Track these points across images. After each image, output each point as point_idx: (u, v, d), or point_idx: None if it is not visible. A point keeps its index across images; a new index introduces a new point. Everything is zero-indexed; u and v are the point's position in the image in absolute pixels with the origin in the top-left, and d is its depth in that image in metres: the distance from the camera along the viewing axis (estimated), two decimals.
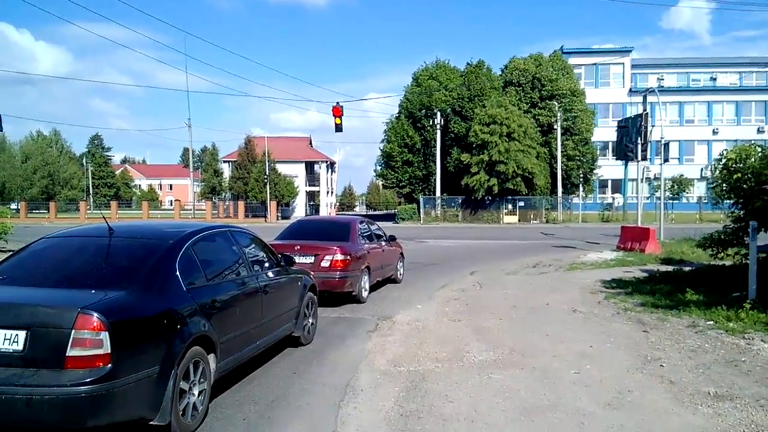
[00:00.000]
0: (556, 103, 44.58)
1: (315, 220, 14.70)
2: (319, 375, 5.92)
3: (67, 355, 3.57)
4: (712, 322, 7.92)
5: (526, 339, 7.42)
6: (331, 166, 69.21)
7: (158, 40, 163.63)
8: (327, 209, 63.94)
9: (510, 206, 44.83)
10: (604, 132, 49.59)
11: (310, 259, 9.55)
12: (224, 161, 64.28)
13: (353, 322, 8.64)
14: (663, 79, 55.63)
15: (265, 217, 50.52)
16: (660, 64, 59.61)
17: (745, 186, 9.72)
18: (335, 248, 9.75)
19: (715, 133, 56.86)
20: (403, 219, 45.99)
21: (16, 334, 3.62)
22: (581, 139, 46.46)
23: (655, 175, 38.04)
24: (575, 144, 46.11)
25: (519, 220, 44.30)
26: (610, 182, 57.32)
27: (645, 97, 26.12)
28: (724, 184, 10.45)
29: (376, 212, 77.46)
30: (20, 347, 3.60)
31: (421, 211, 45.65)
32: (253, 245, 6.28)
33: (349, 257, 9.75)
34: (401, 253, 13.11)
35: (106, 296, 3.92)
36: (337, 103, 23.98)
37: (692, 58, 61.25)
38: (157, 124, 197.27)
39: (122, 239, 4.89)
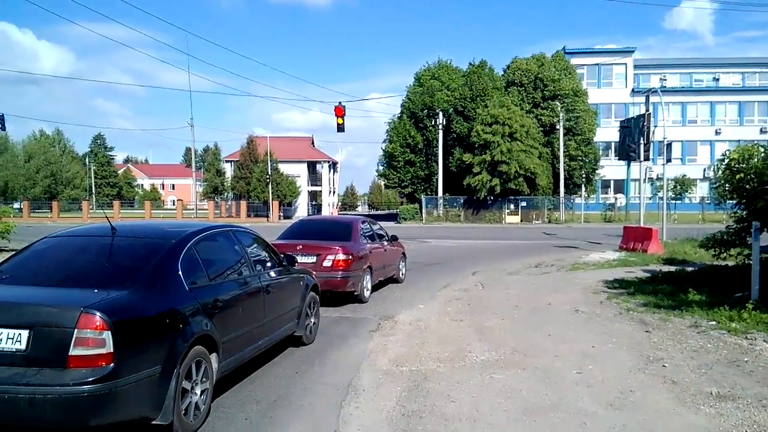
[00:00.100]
0: (559, 104, 44.53)
1: (317, 220, 14.70)
2: (321, 374, 5.92)
3: (69, 354, 3.58)
4: (714, 323, 7.90)
5: (528, 339, 7.42)
6: (333, 166, 69.25)
7: (160, 40, 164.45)
8: (329, 209, 63.95)
9: (512, 206, 44.81)
10: (607, 132, 49.59)
11: (312, 259, 9.55)
12: (226, 161, 64.34)
13: (355, 321, 8.64)
14: (666, 80, 55.55)
15: (267, 216, 50.57)
16: (663, 64, 59.55)
17: (747, 186, 9.70)
18: (337, 248, 9.75)
19: (717, 133, 56.79)
20: (405, 219, 45.99)
21: (19, 334, 3.62)
22: (584, 139, 46.41)
23: (657, 175, 38.07)
24: (578, 144, 46.06)
25: (521, 220, 44.26)
26: (612, 182, 57.27)
27: (647, 98, 26.03)
28: (726, 185, 10.43)
29: (378, 212, 77.50)
30: (23, 346, 3.61)
31: (423, 211, 45.64)
32: (256, 245, 6.29)
33: (351, 257, 9.76)
34: (403, 253, 13.11)
35: (108, 296, 3.92)
36: (340, 103, 24.04)
37: (695, 58, 61.20)
38: (160, 124, 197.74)
39: (125, 239, 4.90)
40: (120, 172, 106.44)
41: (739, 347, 6.76)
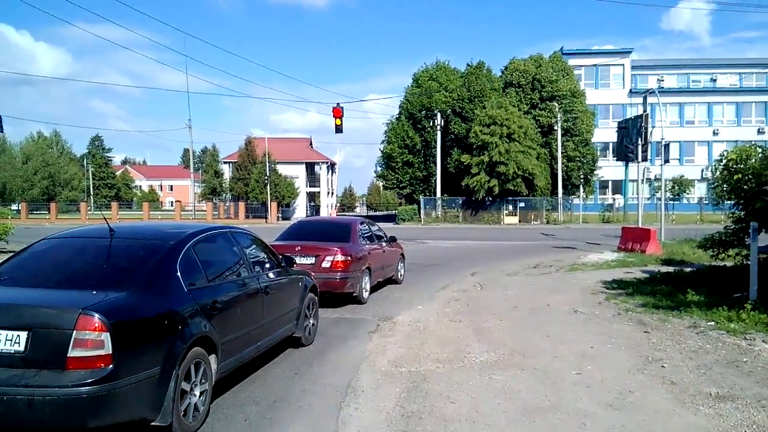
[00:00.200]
0: (557, 104, 44.58)
1: (315, 221, 14.71)
2: (320, 376, 5.92)
3: (68, 355, 3.57)
4: (713, 323, 7.91)
5: (527, 340, 7.42)
6: (331, 167, 69.20)
7: (158, 41, 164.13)
8: (327, 210, 63.89)
9: (510, 207, 44.85)
10: (605, 133, 49.65)
11: (311, 260, 9.55)
12: (225, 162, 64.26)
13: (354, 322, 8.64)
14: (663, 80, 55.62)
15: (266, 217, 50.53)
16: (660, 65, 59.67)
17: (745, 187, 9.71)
18: (336, 249, 9.75)
19: (715, 134, 56.87)
20: (404, 220, 45.99)
21: (18, 335, 3.62)
22: (581, 140, 46.47)
23: (655, 175, 38.10)
24: (575, 145, 46.12)
25: (519, 221, 44.29)
26: (610, 183, 57.35)
27: (645, 98, 26.12)
28: (724, 185, 10.44)
29: (377, 213, 77.44)
30: (22, 348, 3.60)
31: (422, 212, 45.64)
32: (254, 246, 6.29)
33: (349, 258, 9.75)
34: (402, 254, 13.11)
35: (107, 297, 3.92)
36: (338, 104, 24.02)
37: (692, 59, 61.22)
38: (158, 125, 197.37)
39: (123, 240, 4.89)
40: (118, 173, 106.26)
41: (737, 348, 6.77)
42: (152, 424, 4.00)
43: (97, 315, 3.63)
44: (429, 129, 46.19)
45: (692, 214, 44.39)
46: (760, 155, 9.90)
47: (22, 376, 3.54)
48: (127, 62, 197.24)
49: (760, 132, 55.95)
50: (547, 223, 43.73)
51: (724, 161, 10.31)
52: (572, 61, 52.09)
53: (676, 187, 50.85)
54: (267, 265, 6.25)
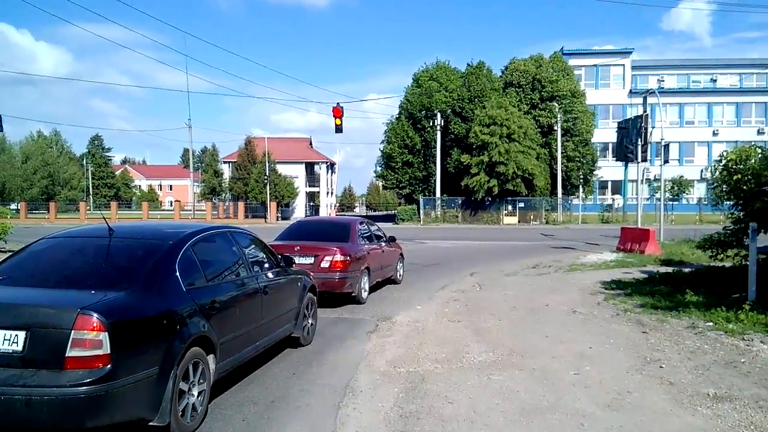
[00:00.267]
0: (556, 105, 44.59)
1: (315, 221, 14.70)
2: (319, 376, 5.92)
3: (66, 355, 3.57)
4: (711, 324, 7.91)
5: (525, 340, 7.42)
6: (331, 166, 69.21)
7: (158, 41, 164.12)
8: (327, 210, 63.90)
9: (510, 207, 44.87)
10: (604, 133, 49.65)
11: (310, 260, 9.55)
12: (224, 162, 64.27)
13: (353, 322, 8.64)
14: (663, 81, 55.67)
15: (265, 217, 50.53)
16: (660, 65, 59.66)
17: (745, 187, 9.72)
18: (335, 249, 9.75)
19: (715, 134, 56.88)
20: (403, 220, 46.00)
21: (16, 335, 3.62)
22: (581, 140, 46.47)
23: (655, 176, 38.07)
24: (575, 145, 46.12)
25: (519, 221, 44.32)
26: (610, 183, 57.35)
27: (645, 99, 26.16)
28: (724, 186, 10.45)
29: (376, 213, 77.46)
30: (20, 348, 3.60)
31: (421, 212, 45.66)
32: (253, 246, 6.29)
33: (348, 258, 9.76)
34: (401, 254, 13.11)
35: (105, 297, 3.92)
36: (338, 103, 24.00)
37: (692, 59, 61.24)
38: (158, 125, 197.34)
39: (122, 240, 4.89)
40: (117, 173, 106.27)
41: (736, 348, 6.77)
42: (150, 424, 4.00)
43: (95, 315, 3.63)
44: (429, 129, 46.20)
45: (691, 214, 44.45)
46: (759, 156, 9.90)
47: (20, 376, 3.54)
48: (128, 62, 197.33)
49: (760, 132, 55.97)
50: (547, 223, 43.75)
51: (724, 162, 10.31)
52: (572, 61, 52.11)
53: (676, 188, 50.86)
54: (266, 265, 6.26)
